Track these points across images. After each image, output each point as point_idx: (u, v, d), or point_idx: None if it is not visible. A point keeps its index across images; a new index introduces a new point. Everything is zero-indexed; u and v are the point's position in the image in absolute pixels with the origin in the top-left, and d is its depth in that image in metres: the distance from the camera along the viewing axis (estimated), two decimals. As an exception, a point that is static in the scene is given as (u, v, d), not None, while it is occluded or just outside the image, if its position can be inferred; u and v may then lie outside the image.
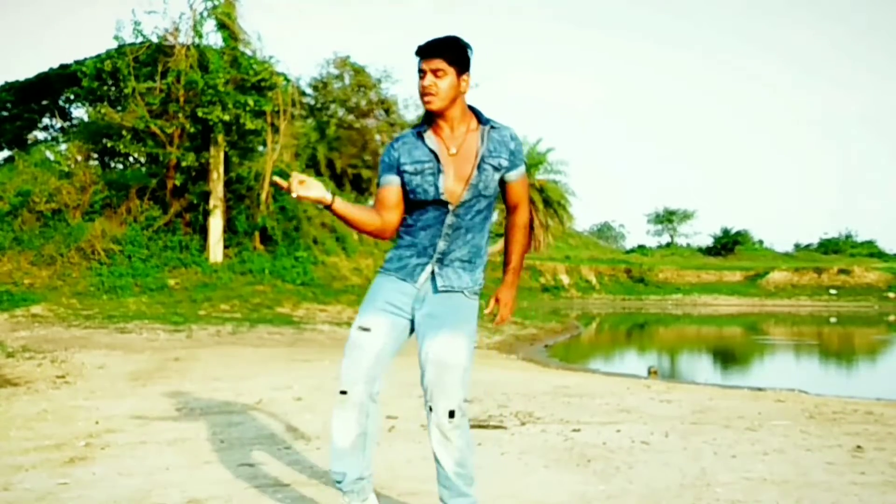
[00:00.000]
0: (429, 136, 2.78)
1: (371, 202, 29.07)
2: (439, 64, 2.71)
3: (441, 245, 2.79)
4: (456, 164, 2.76)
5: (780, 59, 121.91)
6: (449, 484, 2.79)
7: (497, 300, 2.89)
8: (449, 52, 2.72)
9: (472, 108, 2.83)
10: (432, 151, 2.76)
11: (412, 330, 2.85)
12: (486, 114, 2.87)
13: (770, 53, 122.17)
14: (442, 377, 2.71)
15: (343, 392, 2.78)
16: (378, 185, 2.86)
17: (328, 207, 2.67)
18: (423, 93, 2.73)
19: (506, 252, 2.92)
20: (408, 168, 2.77)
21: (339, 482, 2.84)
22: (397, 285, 2.81)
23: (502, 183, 2.84)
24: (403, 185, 2.80)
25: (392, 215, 2.82)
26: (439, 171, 2.75)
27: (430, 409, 2.74)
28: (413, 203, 2.81)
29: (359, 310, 2.85)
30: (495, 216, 3.09)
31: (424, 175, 2.76)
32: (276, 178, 2.78)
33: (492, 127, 2.81)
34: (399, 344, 2.84)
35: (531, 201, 3.23)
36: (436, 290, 2.80)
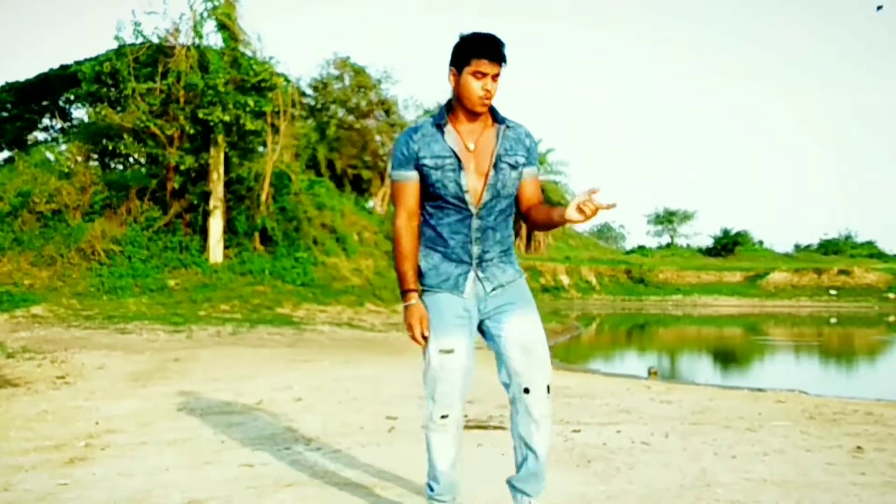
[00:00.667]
0: (449, 130, 2.73)
1: (372, 202, 29.14)
2: (500, 69, 2.67)
3: (475, 250, 2.76)
4: (475, 159, 2.72)
5: (779, 60, 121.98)
6: (534, 471, 2.79)
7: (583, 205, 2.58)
8: (505, 57, 2.67)
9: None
10: (451, 148, 2.71)
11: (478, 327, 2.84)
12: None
13: (769, 54, 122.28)
14: (531, 357, 2.73)
15: (444, 416, 2.74)
16: (393, 179, 2.80)
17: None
18: (485, 97, 2.66)
19: (546, 221, 2.80)
20: (427, 162, 2.72)
21: (436, 499, 2.84)
22: (453, 300, 2.76)
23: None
24: (422, 178, 2.75)
25: (416, 220, 2.79)
26: (460, 167, 2.70)
27: (526, 391, 2.72)
28: (433, 204, 2.77)
29: (430, 332, 2.75)
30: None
31: (445, 170, 2.71)
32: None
33: (507, 126, 2.77)
34: (474, 355, 2.82)
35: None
36: (487, 294, 2.78)
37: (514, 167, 2.75)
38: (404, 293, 2.75)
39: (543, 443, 2.78)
